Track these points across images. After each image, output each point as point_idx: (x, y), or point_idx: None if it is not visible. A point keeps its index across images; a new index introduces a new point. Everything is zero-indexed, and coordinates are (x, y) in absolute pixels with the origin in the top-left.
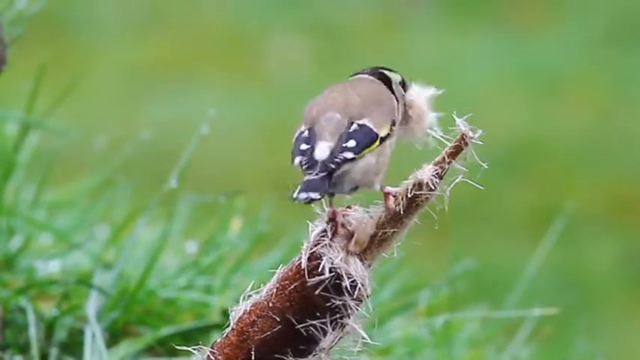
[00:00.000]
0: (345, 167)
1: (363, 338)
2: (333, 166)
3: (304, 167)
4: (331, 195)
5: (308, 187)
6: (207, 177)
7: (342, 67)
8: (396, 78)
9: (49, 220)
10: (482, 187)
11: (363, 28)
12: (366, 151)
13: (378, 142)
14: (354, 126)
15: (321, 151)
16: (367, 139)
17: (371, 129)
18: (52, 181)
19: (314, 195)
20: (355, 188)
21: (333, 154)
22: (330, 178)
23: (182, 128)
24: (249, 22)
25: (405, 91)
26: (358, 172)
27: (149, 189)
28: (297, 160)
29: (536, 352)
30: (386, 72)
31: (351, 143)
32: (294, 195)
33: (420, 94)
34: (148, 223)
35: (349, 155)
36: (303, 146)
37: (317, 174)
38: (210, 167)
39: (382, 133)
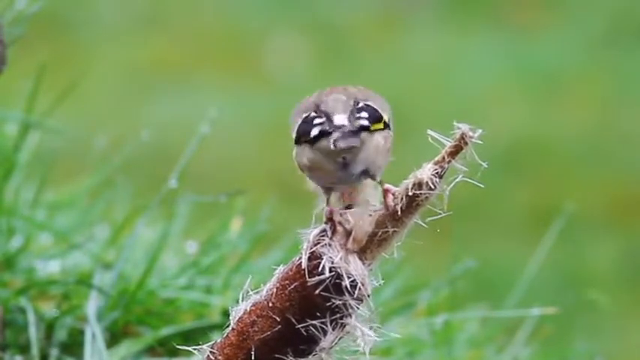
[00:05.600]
0: (363, 136)
1: (370, 336)
2: (355, 127)
3: (328, 132)
4: (327, 194)
5: (343, 137)
6: (207, 177)
7: (342, 67)
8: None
9: (49, 220)
10: (482, 186)
11: (363, 28)
12: (376, 125)
13: (382, 124)
14: (361, 104)
15: (340, 120)
16: (375, 114)
17: (375, 108)
18: (52, 181)
19: (354, 142)
20: (364, 173)
21: (350, 122)
22: (358, 135)
23: (182, 128)
24: (249, 22)
25: None
26: (371, 149)
27: (149, 189)
28: (317, 130)
29: (536, 352)
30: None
31: (364, 114)
32: (332, 143)
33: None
34: (148, 223)
35: (365, 122)
36: (318, 120)
37: (344, 132)
38: (210, 167)
39: (384, 118)
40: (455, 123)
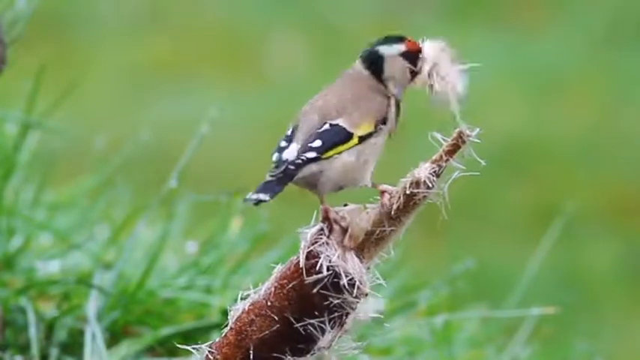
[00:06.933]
0: (313, 168)
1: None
2: (292, 167)
3: (274, 166)
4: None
5: (262, 188)
6: (207, 177)
7: (342, 67)
8: (393, 53)
9: (49, 220)
10: (478, 173)
11: (362, 28)
12: (336, 150)
13: (355, 141)
14: (326, 126)
15: (290, 152)
16: (336, 139)
17: (343, 128)
18: (52, 181)
19: (263, 197)
20: (340, 189)
21: (297, 155)
22: (287, 180)
23: (182, 128)
24: (249, 22)
25: (415, 58)
26: (335, 172)
27: (149, 189)
28: (274, 157)
29: (536, 352)
30: (385, 52)
31: (317, 143)
32: (247, 197)
33: (438, 57)
34: (148, 223)
35: (311, 155)
36: (283, 144)
37: (276, 175)
38: (210, 167)
39: (360, 132)
40: (455, 122)
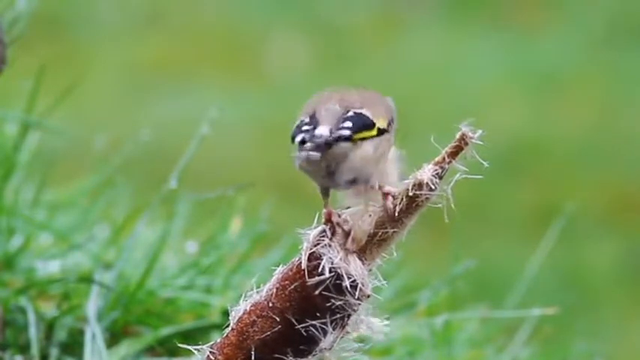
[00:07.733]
0: (343, 147)
1: (378, 325)
2: (331, 138)
3: (305, 142)
4: (326, 195)
5: (306, 149)
6: (207, 177)
7: (342, 68)
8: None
9: (49, 220)
10: (480, 177)
11: (363, 28)
12: (363, 134)
13: (375, 131)
14: (350, 113)
15: (321, 131)
16: (363, 122)
17: (367, 116)
18: (52, 181)
19: (313, 155)
20: (353, 181)
21: (331, 132)
22: (327, 148)
23: (182, 128)
24: (249, 22)
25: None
26: (356, 159)
27: (149, 189)
28: (299, 137)
29: (536, 352)
30: None
31: (347, 124)
32: (296, 154)
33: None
34: (148, 223)
35: (346, 132)
36: (305, 127)
37: (316, 143)
38: (210, 167)
39: (380, 124)
40: (459, 124)
